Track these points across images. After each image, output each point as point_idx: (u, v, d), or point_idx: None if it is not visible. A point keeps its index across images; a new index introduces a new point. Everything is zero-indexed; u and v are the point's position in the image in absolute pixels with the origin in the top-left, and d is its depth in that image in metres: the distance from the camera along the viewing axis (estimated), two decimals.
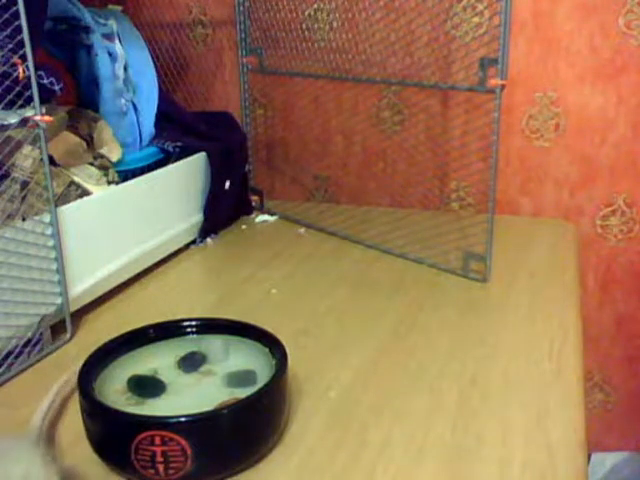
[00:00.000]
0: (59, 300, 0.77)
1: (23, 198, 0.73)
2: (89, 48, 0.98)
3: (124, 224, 0.91)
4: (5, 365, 0.70)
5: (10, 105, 0.69)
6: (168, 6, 1.30)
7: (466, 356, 0.73)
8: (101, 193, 0.87)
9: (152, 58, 1.08)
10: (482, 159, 1.10)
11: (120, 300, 0.89)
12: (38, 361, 0.73)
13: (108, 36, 1.00)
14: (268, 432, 0.56)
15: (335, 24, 1.19)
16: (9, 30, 0.67)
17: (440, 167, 1.24)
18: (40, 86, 0.71)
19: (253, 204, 1.24)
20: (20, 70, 0.69)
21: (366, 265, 1.00)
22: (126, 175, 0.95)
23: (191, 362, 0.62)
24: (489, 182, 0.89)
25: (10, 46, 0.68)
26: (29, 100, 0.70)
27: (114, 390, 0.58)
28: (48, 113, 0.73)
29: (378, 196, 1.30)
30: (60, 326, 0.77)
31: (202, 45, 1.33)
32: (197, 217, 1.09)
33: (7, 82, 0.68)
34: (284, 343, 0.61)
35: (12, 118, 0.73)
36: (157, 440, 0.50)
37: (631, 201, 1.17)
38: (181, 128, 1.13)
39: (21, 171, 0.73)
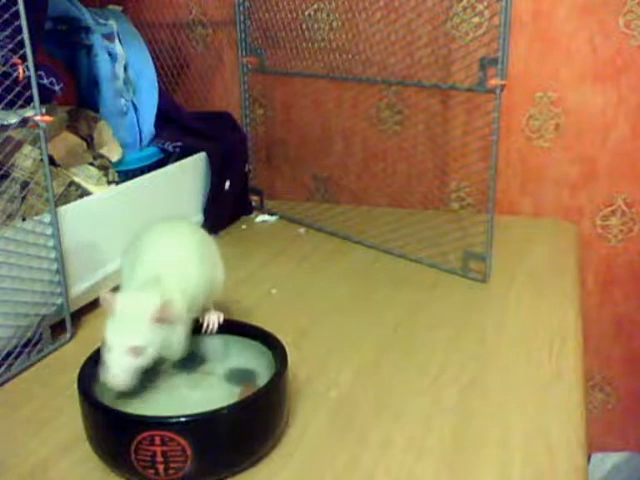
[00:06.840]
0: (59, 300, 0.77)
1: (23, 198, 0.73)
2: (89, 48, 0.99)
3: (124, 224, 0.91)
4: (5, 365, 0.70)
5: (10, 105, 0.69)
6: (168, 6, 1.30)
7: (466, 356, 0.73)
8: (101, 193, 0.87)
9: (152, 58, 1.08)
10: (482, 159, 1.09)
11: None
12: (38, 361, 0.73)
13: (108, 36, 1.00)
14: (268, 432, 0.56)
15: (335, 24, 1.19)
16: (9, 30, 0.67)
17: (440, 167, 1.24)
18: (40, 86, 0.71)
19: (253, 204, 1.24)
20: (20, 70, 0.69)
21: (366, 265, 1.00)
22: (126, 175, 0.95)
23: (191, 362, 0.62)
24: (489, 182, 0.89)
25: (10, 46, 0.68)
26: (29, 100, 0.70)
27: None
28: (48, 113, 0.73)
29: (378, 196, 1.30)
30: (60, 326, 0.77)
31: (202, 45, 1.33)
32: (197, 217, 1.09)
33: (7, 82, 0.68)
34: (284, 343, 0.61)
35: (12, 118, 0.73)
36: (157, 440, 0.50)
37: (631, 201, 1.17)
38: (181, 128, 1.13)
39: (21, 171, 0.73)
